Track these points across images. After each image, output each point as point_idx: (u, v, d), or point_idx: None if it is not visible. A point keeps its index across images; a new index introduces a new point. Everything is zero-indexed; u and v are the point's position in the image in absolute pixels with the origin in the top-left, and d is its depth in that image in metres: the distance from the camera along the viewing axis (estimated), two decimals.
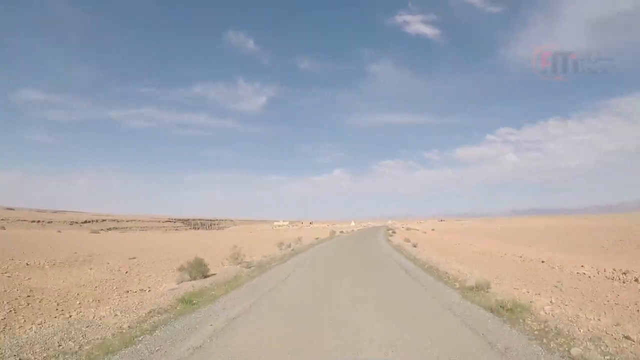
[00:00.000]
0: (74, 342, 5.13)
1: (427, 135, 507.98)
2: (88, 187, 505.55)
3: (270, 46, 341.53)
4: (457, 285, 9.40)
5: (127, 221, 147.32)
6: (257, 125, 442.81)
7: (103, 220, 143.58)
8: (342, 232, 65.64)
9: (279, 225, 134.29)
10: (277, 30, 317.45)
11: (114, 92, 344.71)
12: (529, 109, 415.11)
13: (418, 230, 69.66)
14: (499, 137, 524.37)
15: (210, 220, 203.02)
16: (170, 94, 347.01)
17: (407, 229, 76.63)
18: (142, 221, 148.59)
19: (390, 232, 55.68)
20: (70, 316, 7.23)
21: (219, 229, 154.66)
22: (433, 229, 71.02)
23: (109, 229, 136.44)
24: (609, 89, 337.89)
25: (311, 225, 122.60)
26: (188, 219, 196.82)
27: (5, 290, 9.26)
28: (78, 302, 8.70)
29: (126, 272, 13.66)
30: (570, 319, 6.09)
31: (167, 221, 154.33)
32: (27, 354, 4.63)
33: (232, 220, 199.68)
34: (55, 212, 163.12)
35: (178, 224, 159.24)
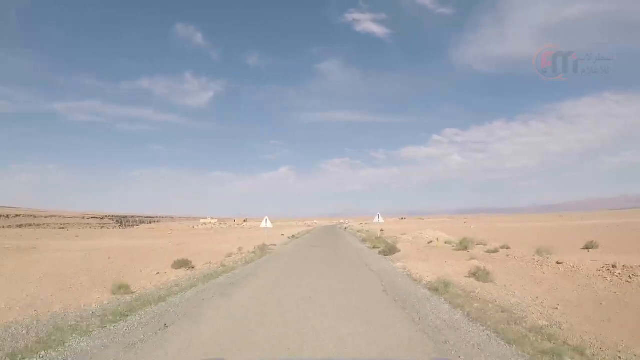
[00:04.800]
0: None
1: (374, 134, 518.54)
2: (28, 182, 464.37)
3: (220, 41, 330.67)
4: None
5: (45, 217, 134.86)
6: (204, 121, 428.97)
7: (16, 215, 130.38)
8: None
9: (204, 224, 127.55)
10: (227, 25, 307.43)
11: (57, 84, 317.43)
12: (475, 111, 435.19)
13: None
14: (445, 138, 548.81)
15: (150, 217, 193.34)
16: (115, 87, 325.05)
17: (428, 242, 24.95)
18: (64, 217, 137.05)
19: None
20: None
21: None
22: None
23: (20, 226, 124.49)
24: (553, 94, 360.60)
25: (244, 224, 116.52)
26: (126, 216, 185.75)
27: None
28: None
29: None
30: None
31: (92, 218, 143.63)
32: None
33: (172, 218, 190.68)
34: None
35: (106, 220, 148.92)
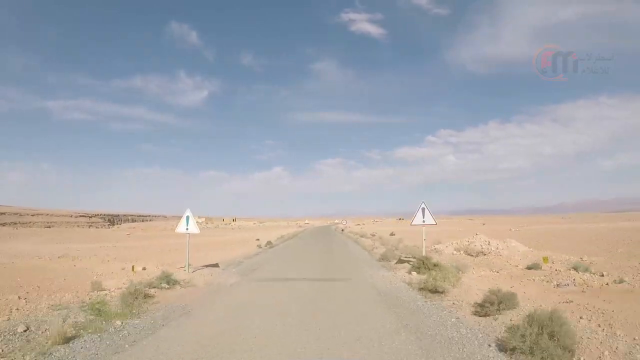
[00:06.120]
0: None
1: (369, 134, 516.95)
2: (23, 181, 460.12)
3: (214, 40, 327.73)
4: None
5: (32, 215, 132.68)
6: (198, 120, 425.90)
7: (1, 213, 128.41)
8: None
9: None
10: (221, 24, 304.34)
11: (49, 82, 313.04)
12: (470, 112, 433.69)
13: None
14: (439, 139, 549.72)
15: (143, 216, 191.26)
16: (109, 85, 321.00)
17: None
18: (51, 215, 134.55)
19: None
20: None
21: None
22: None
23: (3, 224, 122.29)
24: (548, 95, 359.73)
25: (233, 223, 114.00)
26: (118, 215, 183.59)
27: None
28: None
29: None
30: None
31: (81, 216, 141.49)
32: None
33: (165, 217, 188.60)
34: None
35: (96, 219, 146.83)
